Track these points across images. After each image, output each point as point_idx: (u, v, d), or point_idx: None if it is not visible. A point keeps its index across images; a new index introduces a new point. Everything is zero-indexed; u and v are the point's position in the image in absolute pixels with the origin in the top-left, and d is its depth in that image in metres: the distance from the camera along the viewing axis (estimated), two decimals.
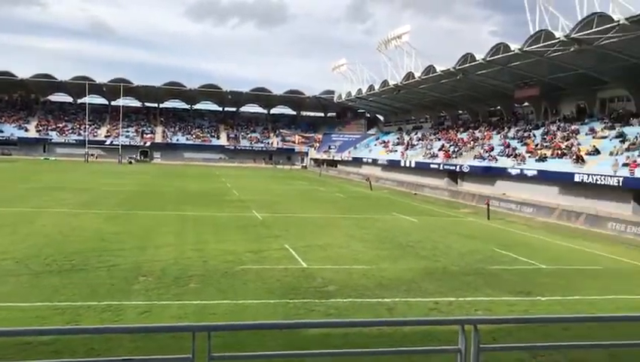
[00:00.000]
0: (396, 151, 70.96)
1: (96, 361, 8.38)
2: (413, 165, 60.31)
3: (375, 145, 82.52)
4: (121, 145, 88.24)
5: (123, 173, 59.67)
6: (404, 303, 13.36)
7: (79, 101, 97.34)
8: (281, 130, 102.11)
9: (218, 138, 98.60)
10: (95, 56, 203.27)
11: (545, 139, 46.60)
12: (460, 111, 70.59)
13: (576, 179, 35.81)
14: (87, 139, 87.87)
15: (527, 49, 41.57)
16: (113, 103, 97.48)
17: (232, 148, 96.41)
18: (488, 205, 33.86)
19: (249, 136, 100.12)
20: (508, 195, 41.04)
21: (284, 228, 24.79)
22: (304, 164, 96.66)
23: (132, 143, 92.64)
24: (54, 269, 15.19)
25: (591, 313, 12.93)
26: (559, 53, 39.80)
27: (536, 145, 45.97)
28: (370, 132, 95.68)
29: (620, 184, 32.25)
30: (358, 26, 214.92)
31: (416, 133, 74.85)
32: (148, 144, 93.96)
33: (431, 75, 57.38)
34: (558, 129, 47.32)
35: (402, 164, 62.97)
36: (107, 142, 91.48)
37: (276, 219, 27.88)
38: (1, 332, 6.15)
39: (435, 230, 26.95)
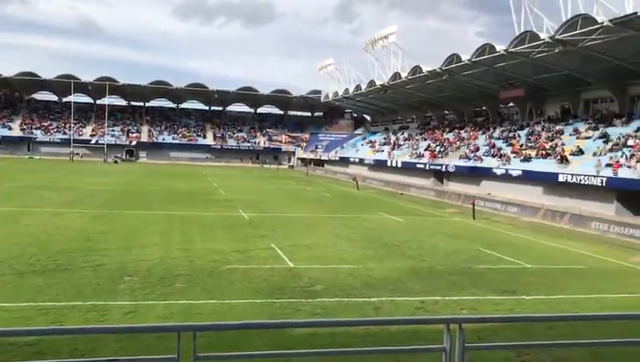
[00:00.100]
0: (383, 151, 71.17)
1: None
2: (399, 165, 60.53)
3: (362, 145, 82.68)
4: (107, 144, 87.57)
5: (108, 173, 59.26)
6: (391, 302, 13.41)
7: (64, 100, 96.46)
8: (268, 130, 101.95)
9: (204, 137, 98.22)
10: (81, 54, 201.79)
11: (530, 139, 47.00)
12: (446, 112, 70.95)
13: (561, 179, 36.16)
14: (72, 138, 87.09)
15: (512, 50, 41.88)
16: (99, 102, 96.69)
17: (219, 147, 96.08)
18: (474, 205, 34.07)
19: (236, 135, 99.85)
20: (493, 195, 41.33)
21: (271, 228, 24.77)
22: (291, 164, 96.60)
23: (118, 142, 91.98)
24: (38, 269, 15.05)
25: (575, 312, 13.08)
26: (544, 54, 40.14)
27: (521, 146, 46.35)
28: (357, 132, 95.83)
29: (604, 184, 32.61)
30: (345, 25, 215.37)
31: (402, 133, 75.11)
32: (134, 143, 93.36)
33: (417, 76, 57.60)
34: (542, 129, 47.75)
35: (389, 164, 63.19)
36: (92, 141, 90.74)
37: (263, 219, 27.85)
38: None
39: (421, 230, 27.07)
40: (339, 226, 26.57)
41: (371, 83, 71.11)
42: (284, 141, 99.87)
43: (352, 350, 6.11)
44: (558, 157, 39.16)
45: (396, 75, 62.88)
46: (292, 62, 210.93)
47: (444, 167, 51.79)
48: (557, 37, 36.87)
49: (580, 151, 39.01)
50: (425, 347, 5.90)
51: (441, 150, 56.97)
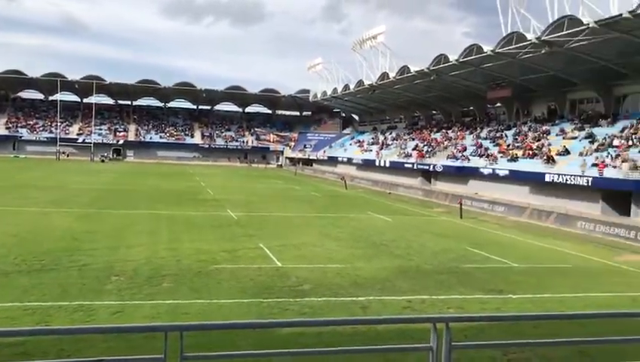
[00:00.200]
0: (371, 150, 71.31)
1: None
2: (387, 165, 60.70)
3: (350, 144, 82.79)
4: (94, 143, 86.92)
5: (95, 172, 58.87)
6: (379, 301, 13.45)
7: (50, 98, 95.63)
8: (256, 129, 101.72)
9: (192, 136, 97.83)
10: (67, 52, 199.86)
11: (516, 139, 47.32)
12: (434, 112, 71.24)
13: (547, 179, 36.44)
14: (58, 136, 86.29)
15: (499, 50, 42.14)
16: (85, 101, 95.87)
17: (207, 146, 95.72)
18: (461, 204, 34.23)
19: (224, 134, 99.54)
20: (480, 195, 41.56)
21: (259, 228, 24.73)
22: (279, 163, 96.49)
23: (105, 141, 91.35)
24: (24, 269, 14.92)
25: (561, 310, 13.20)
26: (531, 55, 40.43)
27: (508, 146, 46.65)
28: (345, 131, 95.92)
29: (589, 184, 32.91)
30: (334, 25, 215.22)
31: (390, 133, 75.30)
32: (121, 142, 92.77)
33: (405, 76, 57.79)
34: (529, 129, 48.09)
35: (377, 164, 63.34)
36: (79, 140, 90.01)
37: (251, 218, 27.80)
38: None
39: (408, 229, 27.16)
40: (327, 226, 26.59)
41: (360, 83, 71.23)
42: (272, 140, 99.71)
43: (339, 349, 6.11)
44: (545, 158, 39.46)
45: (384, 75, 63.04)
46: (280, 61, 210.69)
47: (431, 166, 52.00)
48: (543, 38, 37.16)
49: (566, 152, 39.34)
50: (412, 346, 5.92)
51: (429, 150, 57.20)
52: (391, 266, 17.73)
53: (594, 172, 33.50)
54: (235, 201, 35.30)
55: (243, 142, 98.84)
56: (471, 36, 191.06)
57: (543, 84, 47.26)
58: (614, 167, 33.11)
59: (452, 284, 15.63)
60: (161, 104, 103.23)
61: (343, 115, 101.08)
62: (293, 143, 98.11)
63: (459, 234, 26.10)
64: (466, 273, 17.26)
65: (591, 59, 38.51)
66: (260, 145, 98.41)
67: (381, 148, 68.94)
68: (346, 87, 76.30)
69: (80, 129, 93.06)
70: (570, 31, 35.00)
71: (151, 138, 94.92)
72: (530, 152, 42.20)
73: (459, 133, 58.00)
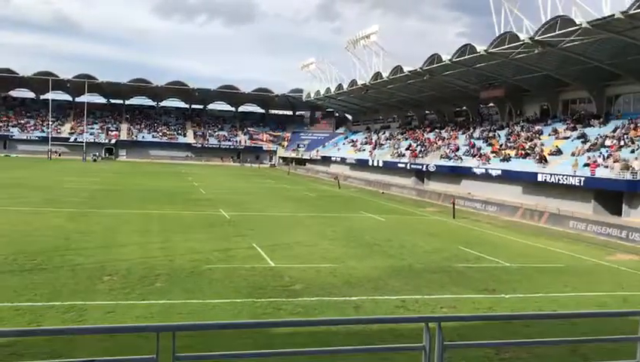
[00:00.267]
0: (364, 150, 71.40)
1: None
2: (380, 164, 60.79)
3: (343, 144, 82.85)
4: (86, 142, 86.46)
5: (87, 171, 58.61)
6: (372, 301, 13.45)
7: (42, 97, 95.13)
8: (250, 129, 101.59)
9: (185, 136, 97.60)
10: (59, 51, 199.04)
11: (509, 139, 47.49)
12: (427, 112, 71.39)
13: (539, 178, 36.59)
14: (50, 135, 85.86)
15: (492, 50, 42.25)
16: (77, 100, 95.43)
17: (199, 146, 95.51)
18: (454, 204, 34.31)
19: (216, 134, 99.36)
20: (473, 194, 41.68)
21: (252, 227, 24.69)
22: (273, 163, 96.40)
23: (97, 140, 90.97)
24: (15, 269, 14.83)
25: (553, 310, 13.25)
26: (523, 55, 40.58)
27: (501, 146, 46.81)
28: (338, 131, 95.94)
29: (582, 184, 33.07)
30: (328, 24, 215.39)
31: (384, 133, 75.40)
32: (113, 141, 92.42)
33: (398, 76, 57.87)
34: (522, 129, 48.27)
35: (370, 163, 63.42)
36: (71, 139, 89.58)
37: (244, 218, 27.76)
38: None
39: (402, 229, 27.20)
40: (320, 225, 26.58)
41: (353, 82, 71.28)
42: (265, 140, 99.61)
43: (332, 349, 6.11)
44: (537, 157, 39.62)
45: (377, 75, 63.09)
46: (274, 60, 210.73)
47: (424, 166, 52.10)
48: (536, 38, 37.29)
49: (559, 151, 39.52)
50: (405, 346, 5.92)
51: (422, 150, 57.32)
52: (384, 266, 17.74)
53: (586, 172, 33.66)
54: (228, 201, 35.24)
55: (236, 141, 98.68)
56: (465, 36, 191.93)
57: (536, 84, 47.44)
58: (606, 167, 33.29)
59: (445, 284, 15.66)
60: (153, 103, 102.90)
61: (337, 114, 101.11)
62: (286, 143, 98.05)
63: (452, 234, 26.16)
64: (458, 272, 17.30)
65: (583, 59, 38.70)
66: (253, 145, 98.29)
67: (374, 148, 69.02)
68: (340, 86, 76.32)
69: (72, 128, 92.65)
70: (562, 31, 35.15)
71: (143, 137, 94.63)
72: (523, 152, 42.37)
73: (452, 133, 58.15)
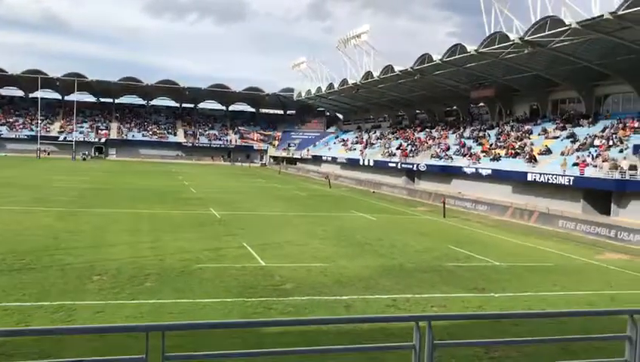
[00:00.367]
0: (355, 149, 71.47)
1: None
2: (371, 164, 60.88)
3: (334, 143, 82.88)
4: (75, 141, 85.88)
5: (76, 170, 58.25)
6: (362, 300, 13.46)
7: (31, 95, 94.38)
8: (240, 128, 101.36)
9: (175, 135, 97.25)
10: (48, 49, 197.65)
11: (499, 139, 47.71)
12: (418, 111, 71.55)
13: (529, 178, 36.80)
14: (39, 134, 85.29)
15: (482, 50, 42.42)
16: (67, 98, 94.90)
17: (190, 145, 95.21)
18: (444, 203, 34.41)
19: (207, 133, 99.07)
20: (463, 194, 41.83)
21: (243, 227, 24.65)
22: (263, 162, 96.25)
23: (86, 139, 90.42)
24: (4, 269, 14.71)
25: (542, 308, 13.33)
26: (513, 54, 40.77)
27: (491, 145, 47.01)
28: (329, 130, 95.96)
29: (571, 183, 33.30)
30: (319, 24, 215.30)
31: (374, 132, 75.50)
32: (103, 140, 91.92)
33: (389, 75, 57.96)
34: (512, 129, 48.51)
35: (361, 163, 63.50)
36: (60, 138, 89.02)
37: (234, 217, 27.70)
38: None
39: (392, 228, 27.25)
40: (311, 224, 26.58)
41: (344, 82, 71.31)
42: (256, 139, 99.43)
43: (323, 348, 6.11)
44: (527, 157, 39.82)
45: (368, 74, 63.17)
46: (265, 59, 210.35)
47: (415, 165, 52.23)
48: (526, 38, 37.47)
49: (548, 151, 39.75)
50: (395, 345, 5.93)
51: (413, 149, 57.46)
52: (374, 265, 17.77)
53: (575, 171, 33.88)
54: (219, 200, 35.16)
55: (227, 140, 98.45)
56: (455, 36, 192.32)
57: (526, 84, 47.69)
58: (595, 166, 33.52)
59: (435, 283, 15.71)
60: (143, 102, 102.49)
61: (328, 113, 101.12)
62: (277, 142, 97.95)
63: (442, 233, 26.24)
64: (448, 271, 17.36)
65: (573, 59, 38.94)
66: (243, 144, 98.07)
67: (365, 148, 69.10)
68: (330, 85, 76.33)
69: (61, 127, 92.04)
70: (552, 31, 35.34)
71: (133, 136, 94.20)
72: (513, 152, 42.58)
73: (442, 133, 58.34)
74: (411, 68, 52.65)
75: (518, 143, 43.88)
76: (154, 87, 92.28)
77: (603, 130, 38.40)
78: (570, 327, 10.44)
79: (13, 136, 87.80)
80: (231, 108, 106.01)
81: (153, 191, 39.27)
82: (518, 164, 39.72)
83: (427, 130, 62.67)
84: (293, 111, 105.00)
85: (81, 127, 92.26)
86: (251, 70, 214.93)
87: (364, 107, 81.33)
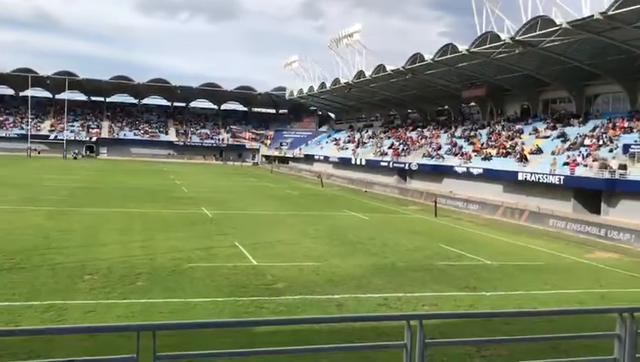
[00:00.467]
0: (347, 148, 71.51)
1: None
2: (363, 163, 60.95)
3: (326, 142, 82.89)
4: (66, 139, 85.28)
5: (67, 169, 57.93)
6: (354, 299, 13.48)
7: (21, 94, 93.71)
8: (232, 127, 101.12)
9: (167, 133, 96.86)
10: (39, 48, 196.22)
11: (490, 138, 47.88)
12: (410, 111, 71.69)
13: (520, 177, 36.97)
14: (29, 133, 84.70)
15: (474, 50, 42.54)
16: (58, 97, 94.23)
17: (182, 144, 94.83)
18: (436, 202, 34.50)
19: (199, 132, 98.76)
20: (455, 193, 41.96)
21: (234, 226, 24.62)
22: (255, 161, 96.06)
23: (77, 138, 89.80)
24: None
25: (533, 307, 13.40)
26: (504, 54, 40.92)
27: (482, 145, 47.17)
28: (321, 129, 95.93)
29: (561, 182, 33.48)
30: (311, 23, 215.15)
31: (366, 131, 75.57)
32: (94, 139, 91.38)
33: (381, 74, 58.04)
34: (503, 128, 48.70)
35: (353, 162, 63.56)
36: (51, 137, 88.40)
37: (226, 217, 27.65)
38: None
39: (384, 227, 27.30)
40: (303, 223, 26.58)
41: (336, 81, 71.34)
42: (248, 138, 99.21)
43: (315, 347, 6.11)
44: (518, 156, 39.99)
45: (360, 74, 63.22)
46: (257, 58, 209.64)
47: (407, 165, 52.33)
48: (517, 38, 37.61)
49: (539, 150, 39.94)
50: (387, 343, 5.95)
51: (405, 148, 57.56)
52: (366, 264, 17.80)
53: (565, 171, 34.07)
54: (210, 199, 35.08)
55: (218, 139, 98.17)
56: (447, 35, 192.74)
57: (517, 83, 47.88)
58: (585, 165, 33.71)
59: (426, 282, 15.76)
60: (135, 101, 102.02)
61: (320, 113, 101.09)
62: (269, 141, 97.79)
63: (433, 232, 26.32)
64: (440, 270, 17.41)
65: (563, 59, 39.14)
66: (235, 143, 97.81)
67: (357, 147, 69.15)
68: (323, 85, 76.32)
69: (52, 126, 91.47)
70: (543, 31, 35.51)
71: (125, 135, 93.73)
72: (504, 151, 42.75)
73: (434, 132, 58.49)
74: (403, 67, 52.74)
75: (509, 143, 44.07)
76: (145, 85, 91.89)
77: (593, 130, 38.64)
78: (561, 326, 10.50)
79: (4, 135, 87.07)
80: (223, 107, 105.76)
81: (144, 190, 39.13)
82: (509, 164, 39.89)
83: (419, 129, 62.80)
84: (286, 111, 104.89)
85: (72, 125, 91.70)
86: (243, 69, 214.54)
87: (356, 106, 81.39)
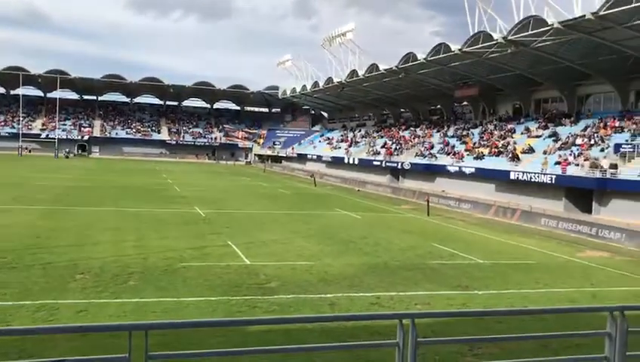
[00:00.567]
0: (340, 148, 71.55)
1: None
2: (356, 162, 61.03)
3: (319, 141, 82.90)
4: (58, 138, 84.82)
5: (59, 168, 57.63)
6: (347, 298, 13.50)
7: (12, 92, 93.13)
8: (225, 125, 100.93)
9: (159, 132, 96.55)
10: (30, 46, 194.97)
11: (482, 137, 48.04)
12: (402, 110, 71.82)
13: (512, 176, 37.12)
14: (21, 132, 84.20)
15: (466, 50, 42.67)
16: (49, 95, 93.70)
17: (174, 143, 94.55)
18: (428, 202, 34.59)
19: (191, 130, 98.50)
20: (447, 192, 42.07)
21: (227, 225, 24.58)
22: (248, 160, 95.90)
23: (69, 137, 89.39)
24: None
25: (525, 306, 13.47)
26: (497, 54, 41.07)
27: (475, 144, 47.32)
28: (314, 128, 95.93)
29: (553, 182, 33.65)
30: (304, 22, 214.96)
31: (359, 131, 75.65)
32: (86, 138, 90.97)
33: (374, 74, 58.11)
34: (495, 128, 48.88)
35: (346, 161, 63.61)
36: (43, 136, 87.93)
37: (219, 216, 27.60)
38: None
39: (377, 226, 27.33)
40: (296, 223, 26.58)
41: (329, 80, 71.36)
42: (241, 137, 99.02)
43: (308, 346, 6.12)
44: (510, 156, 40.15)
45: (353, 73, 63.27)
46: (249, 57, 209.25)
47: (399, 164, 52.42)
48: (509, 37, 37.76)
49: (531, 150, 40.11)
50: (379, 342, 5.96)
51: (397, 148, 57.66)
52: (359, 263, 17.81)
53: (557, 170, 34.25)
54: (203, 198, 35.01)
55: (211, 138, 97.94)
56: (439, 35, 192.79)
57: (509, 83, 48.07)
58: (577, 165, 33.90)
59: (419, 281, 15.79)
60: (127, 99, 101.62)
61: (313, 112, 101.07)
62: (262, 140, 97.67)
63: (426, 231, 26.38)
64: (432, 269, 17.46)
65: (555, 59, 39.32)
66: (228, 142, 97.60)
67: (350, 146, 69.21)
68: (316, 84, 76.34)
69: (43, 124, 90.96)
70: (535, 31, 35.67)
71: (117, 134, 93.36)
72: (496, 150, 42.91)
73: (426, 131, 58.61)
74: (396, 67, 52.83)
75: (501, 142, 44.23)
76: (138, 84, 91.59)
77: (584, 129, 38.85)
78: (552, 324, 10.57)
79: None
80: (215, 105, 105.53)
81: (137, 189, 39.00)
82: (501, 163, 40.04)
83: (411, 128, 62.93)
84: (279, 110, 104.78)
85: (64, 124, 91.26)
86: (236, 68, 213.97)
87: (349, 105, 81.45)
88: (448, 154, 48.01)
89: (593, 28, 33.06)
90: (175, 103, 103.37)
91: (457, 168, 43.84)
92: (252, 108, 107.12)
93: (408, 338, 4.86)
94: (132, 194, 35.46)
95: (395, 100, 68.01)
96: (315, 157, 74.99)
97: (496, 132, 47.60)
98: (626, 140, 33.86)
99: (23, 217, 23.40)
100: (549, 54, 38.83)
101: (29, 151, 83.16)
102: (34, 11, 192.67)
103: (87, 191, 35.57)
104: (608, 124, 37.61)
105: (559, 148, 37.90)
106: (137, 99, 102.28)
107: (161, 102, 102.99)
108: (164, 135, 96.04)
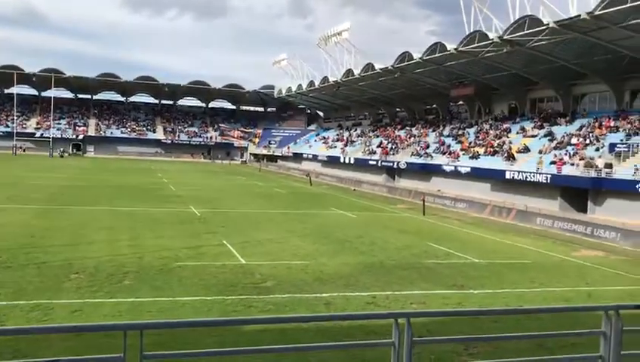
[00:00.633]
0: (336, 147, 71.54)
1: None
2: (352, 161, 61.04)
3: (315, 141, 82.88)
4: (53, 137, 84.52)
5: (54, 167, 57.44)
6: (342, 298, 13.49)
7: (7, 91, 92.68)
8: (220, 125, 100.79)
9: (154, 131, 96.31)
10: (25, 44, 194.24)
11: (478, 137, 48.10)
12: (398, 109, 71.85)
13: (507, 176, 37.17)
14: (15, 131, 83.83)
15: (462, 49, 42.70)
16: (44, 94, 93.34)
17: (169, 142, 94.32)
18: (424, 201, 34.62)
19: (187, 130, 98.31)
20: (443, 192, 42.12)
21: (223, 224, 24.54)
22: (244, 159, 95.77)
23: (64, 136, 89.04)
24: None
25: (520, 305, 13.48)
26: (492, 53, 41.12)
27: (470, 143, 47.39)
28: (310, 128, 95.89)
29: (548, 181, 33.72)
30: (300, 21, 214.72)
31: (355, 130, 75.65)
32: (81, 137, 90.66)
33: (370, 73, 58.10)
34: (490, 127, 48.94)
35: (342, 160, 63.61)
36: (37, 135, 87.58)
37: (214, 215, 27.56)
38: None
39: (372, 225, 27.34)
40: (291, 222, 26.56)
41: (325, 79, 71.31)
42: (236, 136, 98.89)
43: (303, 346, 6.11)
44: (505, 155, 40.22)
45: (349, 72, 63.25)
46: (245, 56, 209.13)
47: (395, 163, 52.45)
48: (505, 37, 37.81)
49: (527, 149, 40.19)
50: (374, 342, 5.95)
51: (393, 147, 57.69)
52: (354, 262, 17.81)
53: (552, 169, 34.32)
54: (198, 198, 34.95)
55: (206, 137, 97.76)
56: (435, 34, 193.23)
57: (505, 82, 48.14)
58: (572, 164, 33.98)
59: (414, 280, 15.80)
60: (122, 98, 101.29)
61: (308, 111, 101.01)
62: (257, 139, 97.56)
63: (421, 231, 26.41)
64: (428, 269, 17.47)
65: (551, 58, 39.39)
66: (223, 141, 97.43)
67: (346, 145, 69.22)
68: (311, 83, 76.29)
69: (38, 123, 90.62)
70: (530, 30, 35.73)
71: (112, 133, 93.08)
72: (492, 150, 42.98)
73: (422, 131, 58.66)
74: (392, 66, 52.83)
75: (497, 141, 44.31)
76: (133, 83, 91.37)
77: (580, 129, 38.95)
78: (548, 323, 10.58)
79: None
80: (211, 105, 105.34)
81: (132, 188, 38.91)
82: (496, 162, 40.11)
83: (407, 128, 62.97)
84: (274, 109, 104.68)
85: (59, 123, 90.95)
86: (232, 67, 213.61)
87: (345, 105, 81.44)
88: (444, 153, 48.06)
89: (588, 27, 33.14)
90: (170, 102, 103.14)
91: (453, 167, 43.89)
92: (247, 108, 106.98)
93: (404, 337, 4.85)
94: (127, 193, 35.37)
95: (390, 100, 68.03)
96: (310, 156, 74.96)
97: (491, 131, 47.67)
98: (621, 140, 33.97)
99: (17, 216, 23.31)
100: (545, 54, 38.91)
101: (24, 151, 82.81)
102: (30, 10, 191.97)
103: (82, 191, 35.47)
104: (603, 123, 37.71)
105: (554, 148, 37.98)
106: (132, 98, 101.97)
107: (157, 101, 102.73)
108: (159, 134, 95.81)
